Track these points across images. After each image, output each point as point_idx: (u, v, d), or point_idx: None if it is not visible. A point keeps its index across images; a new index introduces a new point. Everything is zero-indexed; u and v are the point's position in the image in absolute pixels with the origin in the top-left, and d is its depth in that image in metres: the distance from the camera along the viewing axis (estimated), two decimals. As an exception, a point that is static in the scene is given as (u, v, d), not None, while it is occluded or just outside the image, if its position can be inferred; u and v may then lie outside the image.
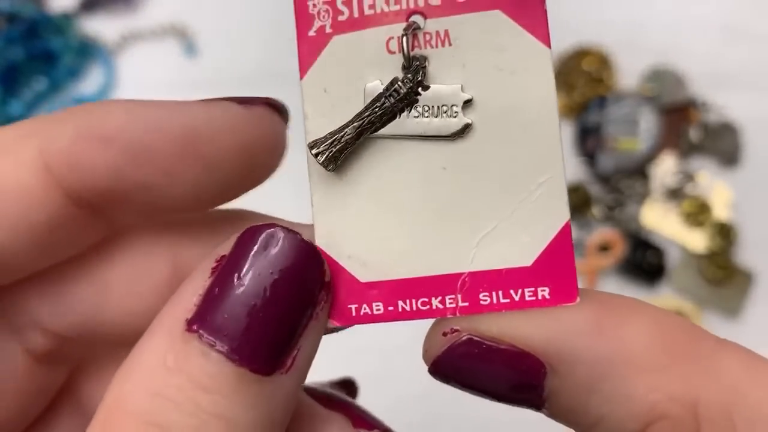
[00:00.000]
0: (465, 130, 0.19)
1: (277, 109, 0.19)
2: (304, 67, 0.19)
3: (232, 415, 0.16)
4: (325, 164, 0.19)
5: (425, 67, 0.19)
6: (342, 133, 0.19)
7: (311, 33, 0.19)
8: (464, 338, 0.18)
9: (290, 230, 0.18)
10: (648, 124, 0.54)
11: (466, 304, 0.19)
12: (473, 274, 0.19)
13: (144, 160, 0.18)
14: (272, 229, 0.17)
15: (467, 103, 0.19)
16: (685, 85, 0.56)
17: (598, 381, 0.17)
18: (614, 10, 0.58)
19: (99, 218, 0.19)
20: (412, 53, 0.19)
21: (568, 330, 0.17)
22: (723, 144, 0.55)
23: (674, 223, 0.53)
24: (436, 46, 0.19)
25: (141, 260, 0.21)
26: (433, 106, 0.19)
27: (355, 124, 0.19)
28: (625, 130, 0.54)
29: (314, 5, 0.19)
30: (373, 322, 0.19)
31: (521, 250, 0.19)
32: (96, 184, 0.18)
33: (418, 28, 0.19)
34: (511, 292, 0.18)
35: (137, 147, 0.18)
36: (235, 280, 0.17)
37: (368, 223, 0.19)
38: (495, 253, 0.19)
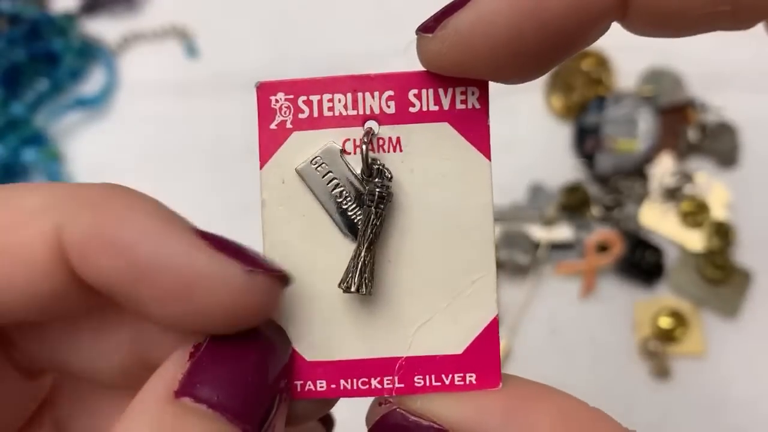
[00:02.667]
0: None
1: (281, 280, 0.19)
2: (264, 157, 0.21)
3: None
4: (367, 292, 0.20)
5: (384, 164, 0.20)
6: (360, 260, 0.20)
7: (272, 126, 0.21)
8: (395, 410, 0.20)
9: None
10: (646, 124, 0.54)
11: (402, 385, 0.21)
12: (410, 359, 0.21)
13: (140, 282, 0.18)
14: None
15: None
16: (683, 86, 0.56)
17: None
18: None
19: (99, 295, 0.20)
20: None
21: (481, 413, 0.19)
22: (721, 144, 0.55)
23: (672, 223, 0.54)
24: (388, 151, 0.21)
25: (108, 319, 0.22)
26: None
27: (365, 246, 0.20)
28: (624, 130, 0.54)
29: (276, 101, 0.21)
30: (316, 397, 0.21)
31: (453, 340, 0.21)
32: (96, 281, 0.18)
33: (374, 134, 0.20)
34: (443, 376, 0.21)
35: (138, 268, 0.18)
36: (225, 350, 0.18)
37: (317, 307, 0.21)
38: (430, 341, 0.21)
